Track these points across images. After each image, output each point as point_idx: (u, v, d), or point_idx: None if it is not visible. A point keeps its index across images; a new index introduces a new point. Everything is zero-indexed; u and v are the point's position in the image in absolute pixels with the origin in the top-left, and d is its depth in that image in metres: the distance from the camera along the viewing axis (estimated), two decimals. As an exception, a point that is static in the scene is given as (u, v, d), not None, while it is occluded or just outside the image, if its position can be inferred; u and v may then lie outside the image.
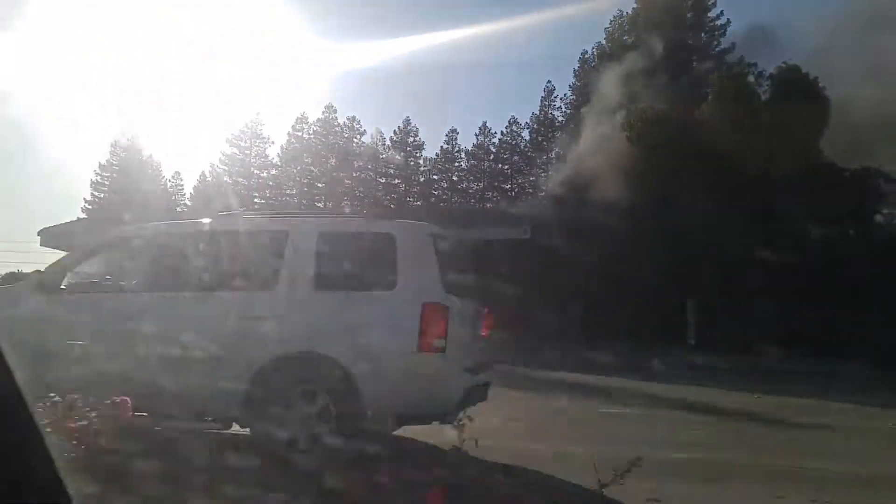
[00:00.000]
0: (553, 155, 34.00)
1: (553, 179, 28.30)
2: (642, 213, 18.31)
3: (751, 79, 22.13)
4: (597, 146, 22.77)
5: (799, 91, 18.93)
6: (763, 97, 20.62)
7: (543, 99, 39.82)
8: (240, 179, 47.69)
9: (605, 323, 16.11)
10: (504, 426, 5.95)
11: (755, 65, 23.79)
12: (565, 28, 54.51)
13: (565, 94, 38.75)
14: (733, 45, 26.34)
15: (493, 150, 41.31)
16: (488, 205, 39.35)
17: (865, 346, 13.46)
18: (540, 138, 39.57)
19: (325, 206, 44.82)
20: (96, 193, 49.37)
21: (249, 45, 63.78)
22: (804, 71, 19.92)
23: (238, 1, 59.36)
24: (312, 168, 46.89)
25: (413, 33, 57.80)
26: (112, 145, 52.08)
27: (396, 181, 43.52)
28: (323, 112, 46.43)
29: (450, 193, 42.03)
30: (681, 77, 23.33)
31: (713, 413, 8.31)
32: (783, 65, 20.54)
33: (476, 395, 4.65)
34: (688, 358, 14.03)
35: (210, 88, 63.59)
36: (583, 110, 27.44)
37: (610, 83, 25.17)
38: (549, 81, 40.11)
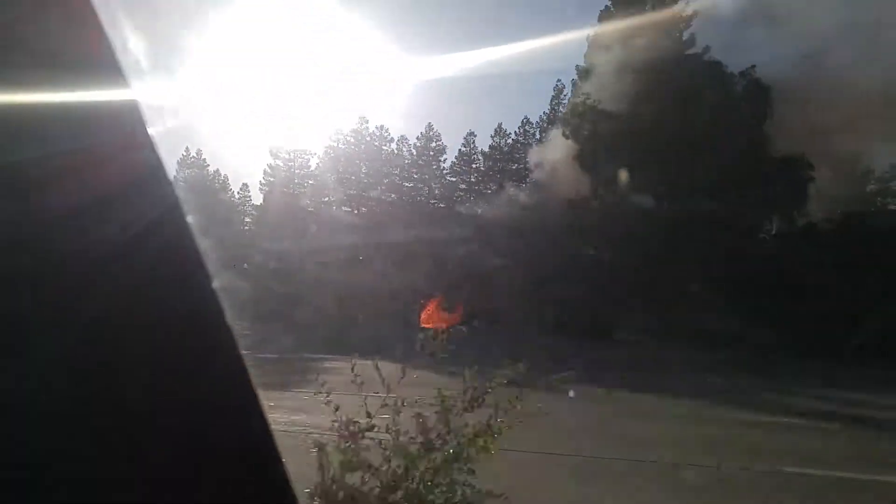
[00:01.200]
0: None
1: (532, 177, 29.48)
2: (577, 209, 19.51)
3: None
4: (550, 146, 23.98)
5: (710, 81, 19.14)
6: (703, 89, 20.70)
7: (553, 98, 40.54)
8: (284, 189, 52.10)
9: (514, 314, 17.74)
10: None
11: (695, 56, 23.13)
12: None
13: (575, 93, 39.24)
14: (692, 35, 25.73)
15: (507, 150, 42.55)
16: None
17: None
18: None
19: (357, 211, 48.26)
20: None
21: (283, 60, 68.23)
22: (717, 60, 19.95)
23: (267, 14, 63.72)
24: (348, 176, 50.38)
25: (437, 49, 59.96)
26: (179, 162, 58.63)
27: (420, 185, 45.89)
28: (357, 123, 49.88)
29: (468, 195, 43.76)
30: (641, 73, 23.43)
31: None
32: (693, 55, 20.59)
33: None
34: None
35: (258, 100, 68.26)
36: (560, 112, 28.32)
37: (581, 82, 26.03)
38: (558, 80, 40.83)
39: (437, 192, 45.36)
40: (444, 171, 45.40)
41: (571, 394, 9.76)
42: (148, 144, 0.86)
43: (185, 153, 58.58)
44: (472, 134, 44.50)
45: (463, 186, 44.62)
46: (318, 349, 16.28)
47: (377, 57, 63.52)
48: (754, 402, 10.32)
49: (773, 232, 18.71)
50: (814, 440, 7.75)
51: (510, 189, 29.45)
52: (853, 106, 27.68)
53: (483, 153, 43.87)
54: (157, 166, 0.88)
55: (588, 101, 21.23)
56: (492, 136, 43.56)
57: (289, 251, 36.66)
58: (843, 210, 20.12)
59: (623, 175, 18.44)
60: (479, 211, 31.58)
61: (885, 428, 8.77)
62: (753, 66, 20.12)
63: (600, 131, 19.74)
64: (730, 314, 15.42)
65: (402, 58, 60.38)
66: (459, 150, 44.57)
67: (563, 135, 21.67)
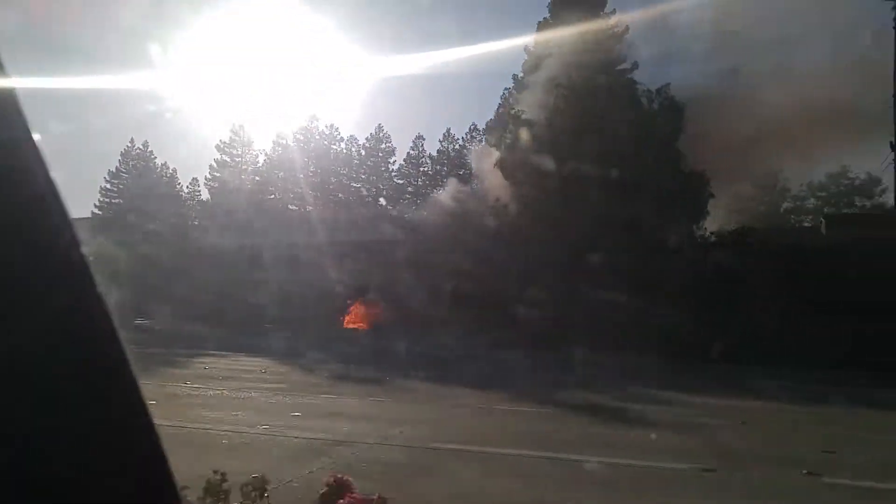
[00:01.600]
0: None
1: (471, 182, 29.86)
2: (496, 215, 19.85)
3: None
4: (485, 153, 24.37)
5: (627, 98, 19.88)
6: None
7: (500, 106, 41.02)
8: (230, 185, 50.97)
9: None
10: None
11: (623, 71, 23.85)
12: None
13: (522, 101, 39.91)
14: (619, 50, 26.44)
15: (454, 155, 42.90)
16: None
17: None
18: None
19: (303, 210, 47.63)
20: (105, 199, 53.72)
21: (241, 54, 67.12)
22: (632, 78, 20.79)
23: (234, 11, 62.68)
24: (295, 174, 49.69)
25: (394, 51, 60.22)
26: (122, 154, 56.44)
27: (368, 186, 45.73)
28: (306, 121, 49.25)
29: (415, 198, 43.85)
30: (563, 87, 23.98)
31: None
32: (615, 70, 21.36)
33: None
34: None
35: (213, 95, 66.92)
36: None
37: (516, 92, 26.52)
38: (506, 88, 41.28)
39: (385, 193, 45.31)
40: (393, 174, 45.44)
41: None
42: (25, 136, 0.81)
43: (129, 144, 56.63)
44: (420, 137, 44.78)
45: (410, 189, 44.70)
46: (219, 346, 16.06)
47: (332, 55, 63.06)
48: (533, 395, 10.61)
49: (671, 245, 19.52)
50: (523, 424, 8.18)
51: (442, 193, 29.85)
52: (774, 122, 29.06)
53: (431, 157, 44.16)
54: (34, 161, 0.81)
55: (511, 111, 21.78)
56: (440, 141, 43.92)
57: (230, 249, 35.91)
58: (744, 225, 21.19)
59: (536, 184, 18.98)
60: (424, 213, 31.80)
61: (612, 417, 8.71)
62: (668, 84, 21.03)
63: (520, 141, 20.29)
64: (622, 318, 15.97)
65: (357, 56, 60.07)
66: (408, 152, 44.75)
67: (488, 142, 22.14)
